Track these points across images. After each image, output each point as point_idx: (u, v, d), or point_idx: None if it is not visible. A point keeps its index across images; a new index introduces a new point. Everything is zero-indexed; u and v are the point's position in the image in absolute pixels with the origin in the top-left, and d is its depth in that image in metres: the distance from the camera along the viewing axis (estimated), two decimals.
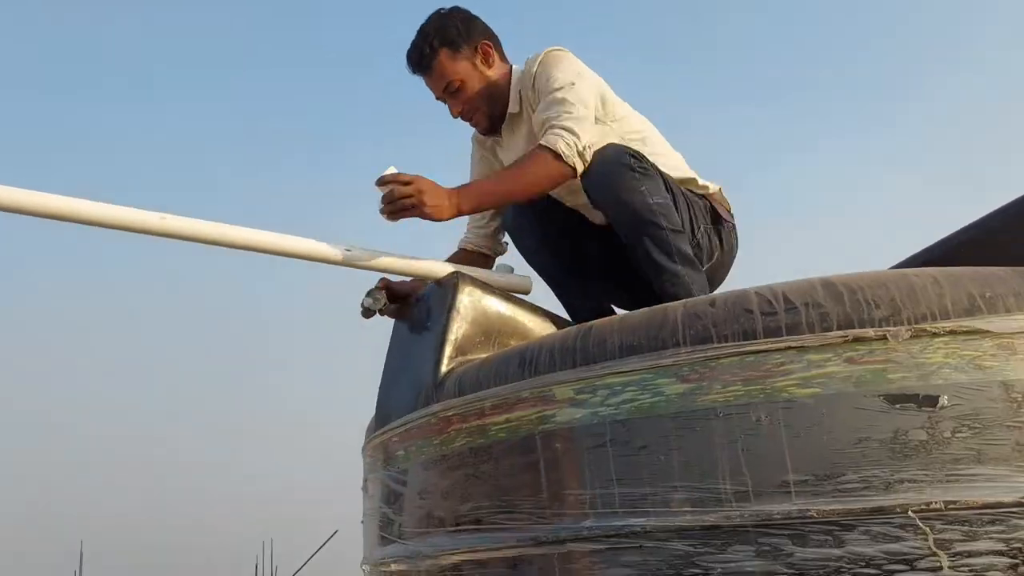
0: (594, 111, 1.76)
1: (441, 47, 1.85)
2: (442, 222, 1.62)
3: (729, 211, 1.92)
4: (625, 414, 1.18)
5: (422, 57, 1.86)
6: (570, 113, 1.69)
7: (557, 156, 1.65)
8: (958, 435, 1.05)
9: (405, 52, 1.90)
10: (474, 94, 1.88)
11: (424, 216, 1.58)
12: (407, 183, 1.56)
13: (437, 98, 1.92)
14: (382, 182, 1.59)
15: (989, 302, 1.12)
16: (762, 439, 1.09)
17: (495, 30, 1.95)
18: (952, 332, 1.09)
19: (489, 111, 1.91)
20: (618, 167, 1.65)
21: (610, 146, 1.69)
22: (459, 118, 1.93)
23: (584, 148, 1.67)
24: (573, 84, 1.74)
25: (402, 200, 1.56)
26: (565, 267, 1.91)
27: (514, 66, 1.94)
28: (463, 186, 1.70)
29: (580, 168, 1.68)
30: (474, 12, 1.94)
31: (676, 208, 1.71)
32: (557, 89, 1.74)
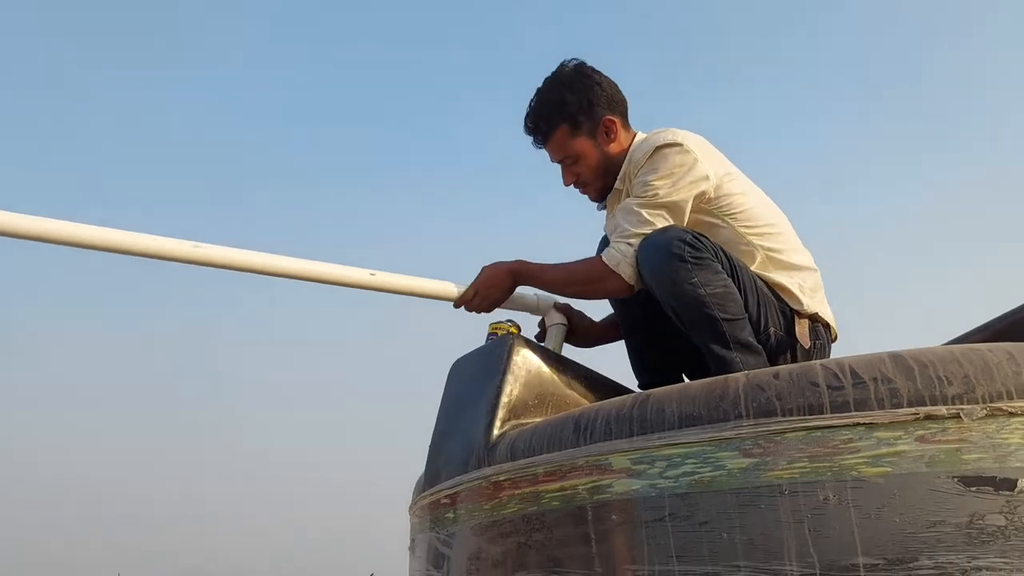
0: (683, 215, 1.69)
1: (560, 124, 1.81)
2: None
3: (808, 338, 1.71)
4: (685, 487, 1.15)
5: (538, 131, 1.85)
6: (639, 227, 1.67)
7: (609, 269, 1.68)
8: None
9: (525, 113, 1.85)
10: (588, 169, 1.84)
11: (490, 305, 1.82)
12: (470, 297, 1.78)
13: (552, 161, 1.89)
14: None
15: None
16: (830, 519, 1.05)
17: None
18: None
19: (601, 185, 1.87)
20: (668, 257, 1.58)
21: (664, 233, 1.62)
22: (570, 187, 1.89)
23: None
24: (657, 195, 1.67)
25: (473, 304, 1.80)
26: (646, 333, 1.89)
27: (637, 135, 1.86)
28: (523, 266, 1.80)
29: (632, 281, 1.68)
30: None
31: (743, 296, 1.62)
32: (642, 196, 1.69)
